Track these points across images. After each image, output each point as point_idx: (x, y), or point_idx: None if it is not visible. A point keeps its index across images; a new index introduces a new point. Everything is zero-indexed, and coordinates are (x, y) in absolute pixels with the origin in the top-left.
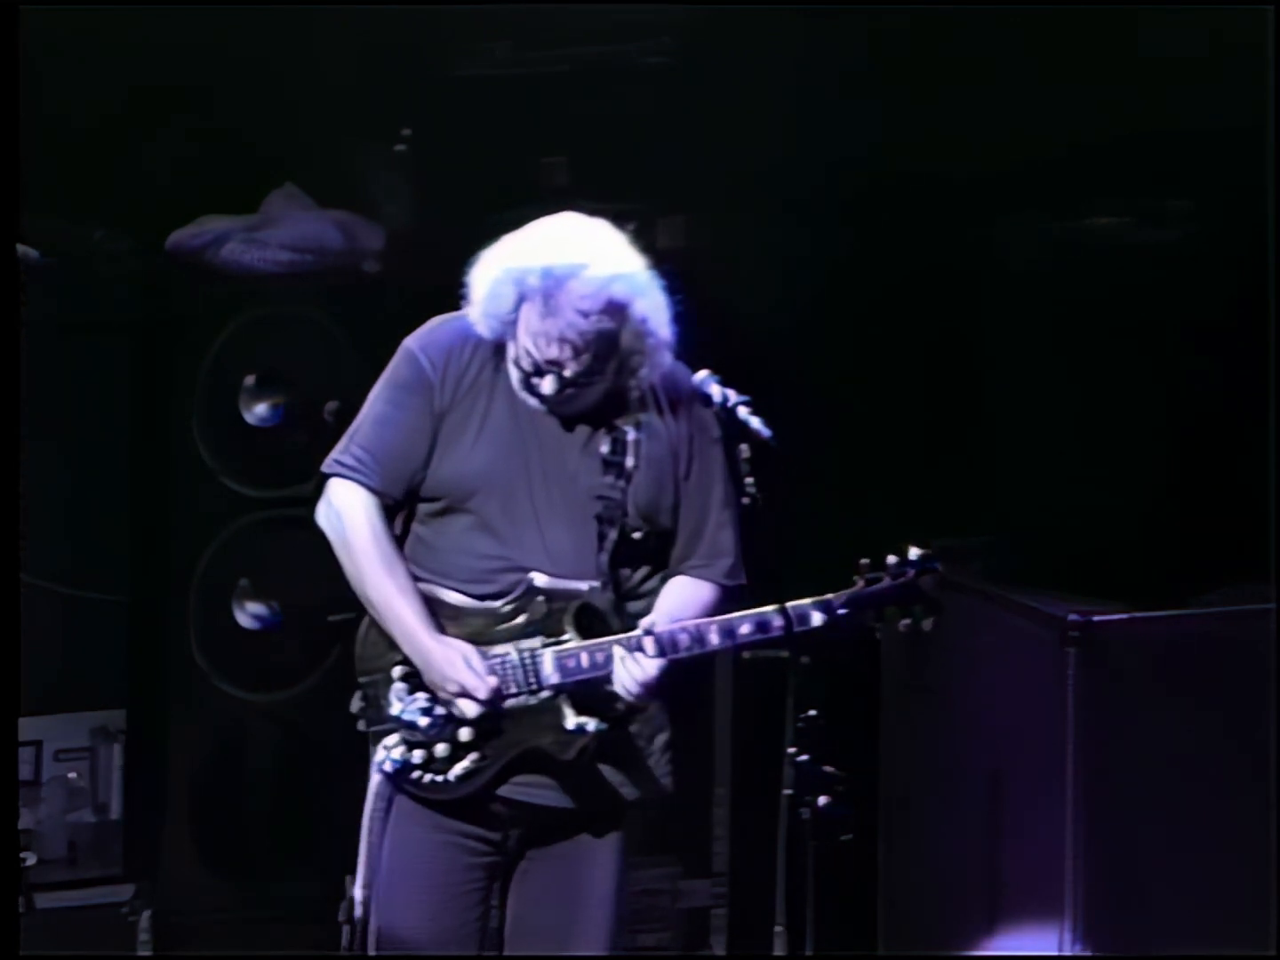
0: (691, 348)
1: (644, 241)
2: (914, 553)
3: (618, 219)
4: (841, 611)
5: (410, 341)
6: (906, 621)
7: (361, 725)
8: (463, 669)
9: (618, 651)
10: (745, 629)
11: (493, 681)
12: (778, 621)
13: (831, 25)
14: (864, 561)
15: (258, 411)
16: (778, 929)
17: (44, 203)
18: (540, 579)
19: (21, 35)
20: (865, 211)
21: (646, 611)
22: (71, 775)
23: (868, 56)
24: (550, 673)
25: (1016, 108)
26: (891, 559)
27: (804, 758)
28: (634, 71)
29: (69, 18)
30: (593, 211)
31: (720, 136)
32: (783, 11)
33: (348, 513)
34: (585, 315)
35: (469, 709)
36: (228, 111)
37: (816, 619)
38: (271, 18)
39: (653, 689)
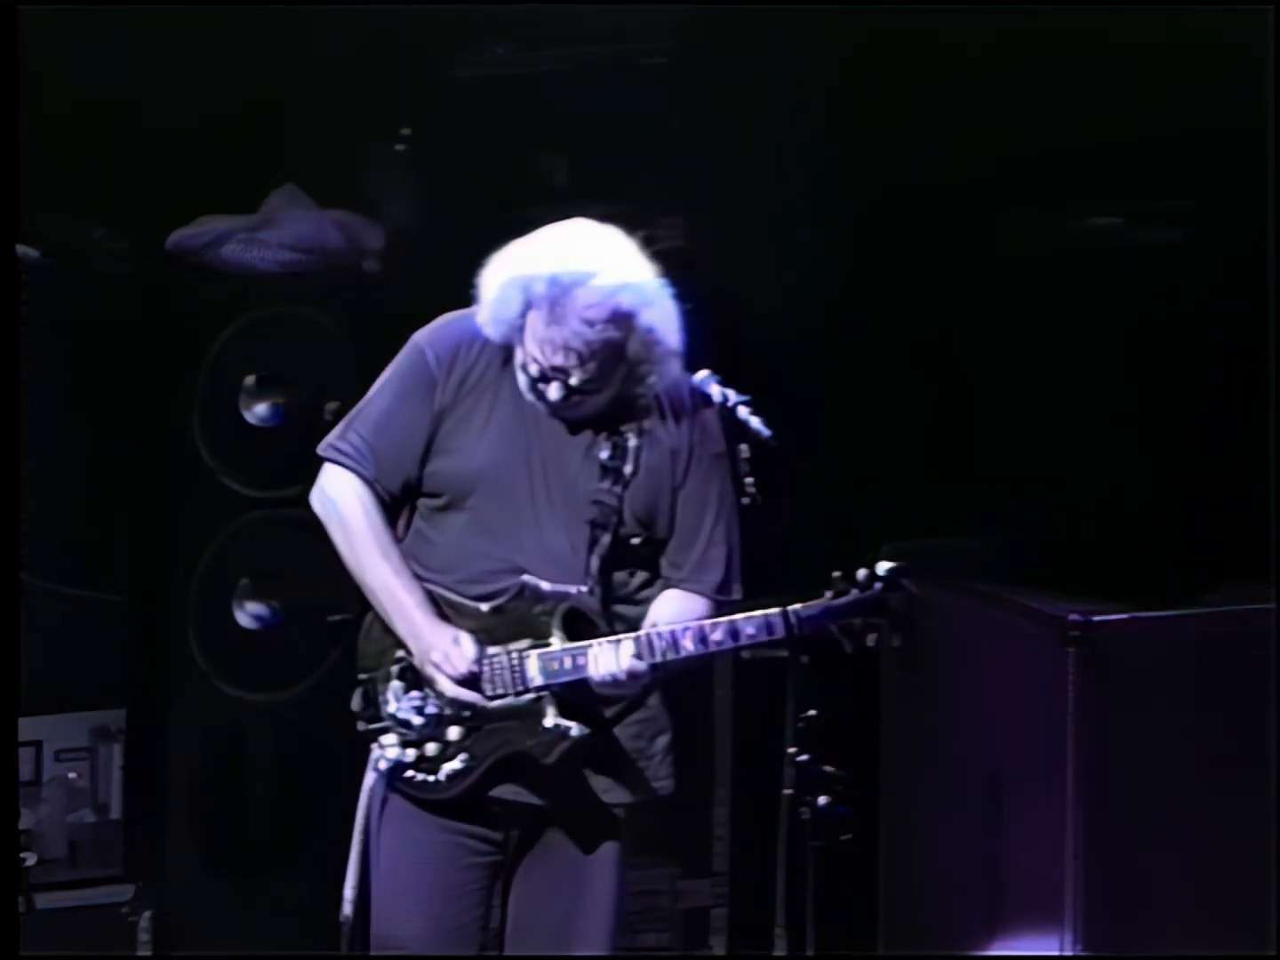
0: (691, 348)
1: (647, 243)
2: (882, 567)
3: (629, 223)
4: (806, 621)
5: (419, 336)
6: (874, 636)
7: (361, 724)
8: (448, 642)
9: (593, 650)
10: (717, 636)
11: (475, 667)
12: (747, 630)
13: (831, 25)
14: (836, 574)
15: (258, 411)
16: (778, 929)
17: (44, 202)
18: (531, 581)
19: (21, 35)
20: (865, 212)
21: (642, 616)
22: (71, 775)
23: (868, 56)
24: (535, 675)
25: (1016, 107)
26: (861, 572)
27: (804, 758)
28: (634, 71)
29: (68, 18)
30: (595, 213)
31: (720, 136)
32: (782, 12)
33: (341, 497)
34: (591, 324)
35: (447, 688)
36: (228, 111)
37: (779, 630)
38: (272, 18)
39: (625, 685)
